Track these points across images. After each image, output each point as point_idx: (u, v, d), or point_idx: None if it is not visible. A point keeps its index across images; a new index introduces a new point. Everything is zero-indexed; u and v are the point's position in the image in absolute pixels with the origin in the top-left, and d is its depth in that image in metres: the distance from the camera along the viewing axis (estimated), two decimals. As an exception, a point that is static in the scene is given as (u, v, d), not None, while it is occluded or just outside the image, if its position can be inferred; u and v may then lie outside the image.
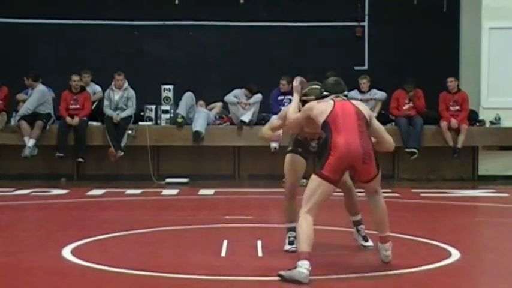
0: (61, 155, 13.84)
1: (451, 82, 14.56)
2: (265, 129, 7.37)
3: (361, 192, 6.60)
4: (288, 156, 7.00)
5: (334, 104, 6.27)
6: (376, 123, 6.44)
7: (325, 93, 6.49)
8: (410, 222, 9.17)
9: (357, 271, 6.06)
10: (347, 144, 6.05)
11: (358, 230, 7.18)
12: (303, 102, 6.72)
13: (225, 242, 7.30)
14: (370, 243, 7.08)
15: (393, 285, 5.74)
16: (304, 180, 6.50)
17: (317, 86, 6.75)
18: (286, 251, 6.91)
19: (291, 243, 6.95)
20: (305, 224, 5.93)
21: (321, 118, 6.23)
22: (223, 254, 6.87)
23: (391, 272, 6.00)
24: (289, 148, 7.02)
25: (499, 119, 14.74)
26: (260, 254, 6.88)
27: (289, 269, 5.80)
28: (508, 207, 10.92)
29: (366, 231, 7.14)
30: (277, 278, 5.80)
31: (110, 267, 6.22)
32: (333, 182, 6.04)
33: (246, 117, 14.15)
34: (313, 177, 6.06)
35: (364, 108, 6.35)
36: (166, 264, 6.40)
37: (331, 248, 7.08)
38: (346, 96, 6.48)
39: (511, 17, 14.66)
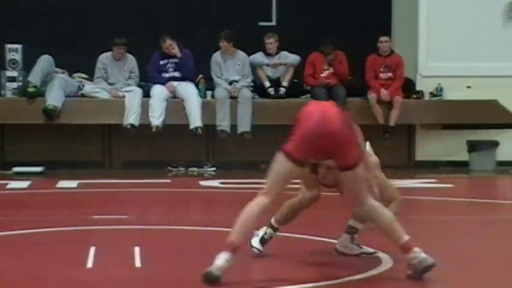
0: None
1: (385, 42, 14.76)
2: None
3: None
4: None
5: None
6: None
7: None
8: (330, 221, 9.28)
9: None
10: None
11: (353, 239, 7.26)
12: None
13: (92, 250, 7.33)
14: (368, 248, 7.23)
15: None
16: None
17: None
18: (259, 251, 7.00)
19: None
20: None
21: None
22: (89, 264, 6.89)
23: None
24: None
25: (441, 89, 15.09)
26: (138, 264, 6.93)
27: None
28: (452, 201, 11.25)
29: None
30: None
31: None
32: None
33: None
34: None
35: None
36: (14, 279, 6.35)
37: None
38: None
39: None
